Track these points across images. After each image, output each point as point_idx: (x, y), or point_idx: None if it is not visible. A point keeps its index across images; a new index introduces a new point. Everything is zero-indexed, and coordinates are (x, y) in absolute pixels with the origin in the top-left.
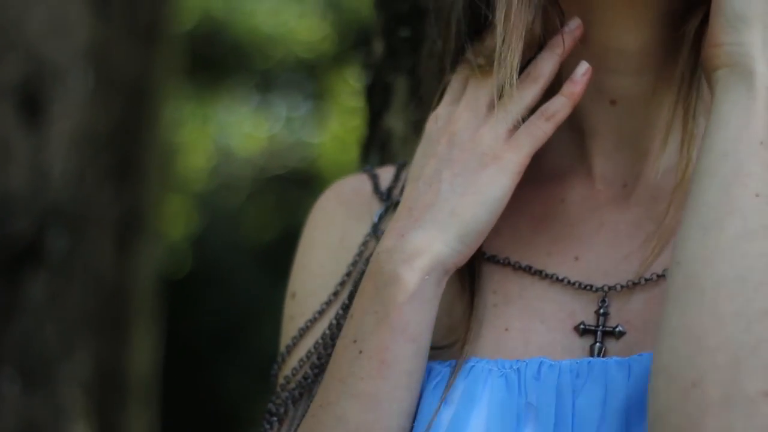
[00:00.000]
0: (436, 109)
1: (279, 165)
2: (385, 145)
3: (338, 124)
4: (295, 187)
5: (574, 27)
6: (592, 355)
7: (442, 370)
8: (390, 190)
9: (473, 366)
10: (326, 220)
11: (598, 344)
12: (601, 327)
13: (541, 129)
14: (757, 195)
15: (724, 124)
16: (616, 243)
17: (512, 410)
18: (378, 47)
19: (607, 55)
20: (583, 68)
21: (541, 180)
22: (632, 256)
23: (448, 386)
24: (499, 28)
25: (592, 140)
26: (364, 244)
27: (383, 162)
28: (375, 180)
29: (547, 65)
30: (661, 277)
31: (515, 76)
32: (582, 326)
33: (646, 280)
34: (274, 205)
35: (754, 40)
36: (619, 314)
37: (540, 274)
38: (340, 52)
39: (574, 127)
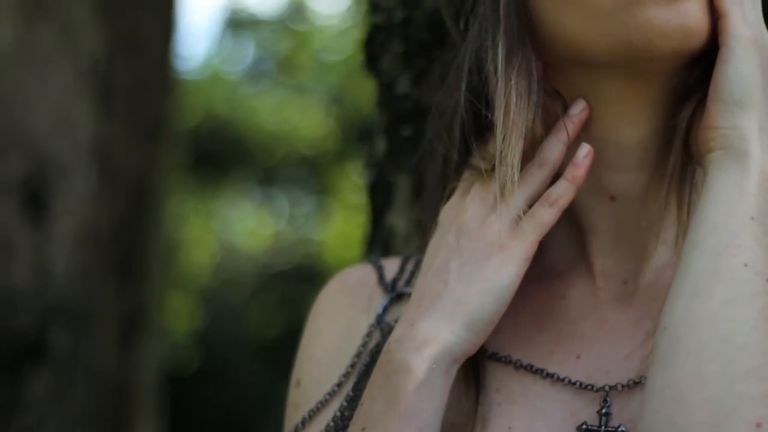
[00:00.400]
0: (446, 202)
1: (283, 261)
2: (387, 243)
3: (341, 221)
4: (298, 284)
5: (578, 110)
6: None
7: None
8: (395, 281)
9: None
10: (331, 310)
11: None
12: (603, 427)
13: (545, 215)
14: (745, 265)
15: (716, 200)
16: (618, 341)
17: None
18: (380, 145)
19: (606, 151)
20: (584, 150)
21: (541, 277)
22: (633, 354)
23: None
24: (499, 128)
25: (591, 237)
26: (368, 335)
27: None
28: (380, 271)
29: (552, 151)
30: None
31: (516, 174)
32: (585, 426)
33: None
34: (277, 302)
35: (750, 124)
36: (621, 414)
37: (542, 373)
38: (343, 148)
39: (573, 223)
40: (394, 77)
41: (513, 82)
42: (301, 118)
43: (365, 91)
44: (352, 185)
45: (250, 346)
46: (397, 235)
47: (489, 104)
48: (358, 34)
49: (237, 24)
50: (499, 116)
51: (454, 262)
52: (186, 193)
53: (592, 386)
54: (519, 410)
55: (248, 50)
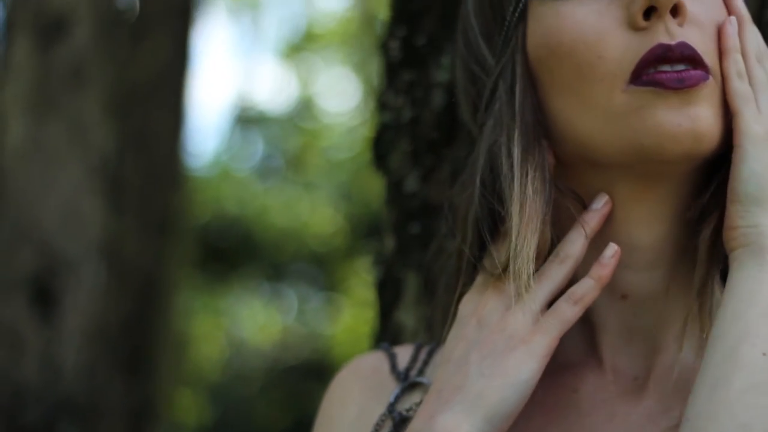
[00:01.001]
0: (462, 296)
1: (291, 356)
2: (395, 339)
3: (350, 317)
4: (307, 379)
5: (601, 205)
6: None
7: None
8: (407, 370)
9: None
10: (343, 397)
11: None
12: None
13: (568, 312)
14: (764, 354)
15: (736, 293)
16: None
17: None
18: (389, 243)
19: (608, 213)
20: (611, 250)
21: (553, 370)
22: None
23: None
24: (515, 222)
25: (602, 334)
26: (380, 423)
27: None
28: (393, 359)
29: (574, 246)
30: None
31: (531, 267)
32: None
33: None
34: (286, 397)
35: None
36: None
37: None
38: (352, 245)
39: (584, 319)
40: (402, 175)
41: (528, 178)
42: (310, 215)
43: (374, 188)
44: (361, 281)
45: None
46: (406, 331)
47: (502, 200)
48: (366, 132)
49: (246, 121)
50: (514, 211)
51: (474, 354)
52: (195, 289)
53: None
54: None
55: (257, 147)
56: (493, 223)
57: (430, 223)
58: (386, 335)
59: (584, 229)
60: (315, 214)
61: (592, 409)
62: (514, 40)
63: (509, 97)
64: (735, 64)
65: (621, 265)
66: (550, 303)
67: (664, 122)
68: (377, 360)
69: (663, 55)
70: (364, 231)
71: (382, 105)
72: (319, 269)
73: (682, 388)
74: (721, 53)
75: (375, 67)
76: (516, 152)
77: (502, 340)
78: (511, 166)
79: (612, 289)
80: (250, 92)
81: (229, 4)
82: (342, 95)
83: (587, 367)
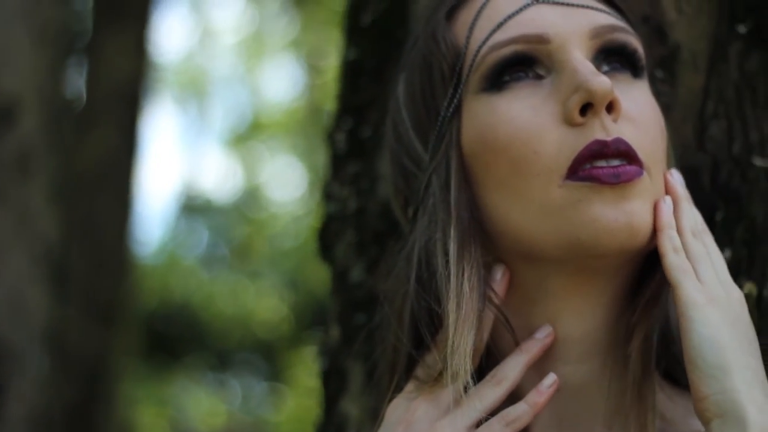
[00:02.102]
0: (394, 397)
1: None
2: (340, 429)
3: (295, 405)
4: None
5: (544, 335)
6: None
7: None
8: None
9: None
10: None
11: None
12: None
13: None
14: None
15: None
16: None
17: None
18: (334, 333)
19: (551, 344)
20: (550, 380)
21: None
22: None
23: None
24: (451, 318)
25: (533, 424)
26: None
27: None
28: None
29: (513, 371)
30: None
31: (469, 362)
32: None
33: None
34: None
35: (735, 385)
36: None
37: None
38: (297, 333)
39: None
40: (347, 266)
41: (465, 275)
42: (255, 304)
43: (320, 277)
44: (307, 370)
45: None
46: (350, 421)
47: (438, 298)
48: (312, 222)
49: (192, 209)
50: (451, 309)
51: None
52: (140, 377)
53: None
54: None
55: (203, 235)
56: (431, 321)
57: (375, 314)
58: (331, 425)
59: (524, 356)
60: (260, 302)
61: None
62: (449, 135)
63: (444, 192)
64: (670, 240)
65: (554, 357)
66: (478, 424)
67: (600, 217)
68: None
69: (599, 150)
70: (309, 320)
71: (327, 195)
72: (264, 358)
73: None
74: (656, 230)
75: (321, 156)
76: (452, 249)
77: None
78: (447, 263)
79: (542, 379)
80: (196, 180)
81: (176, 93)
82: (288, 184)
83: None
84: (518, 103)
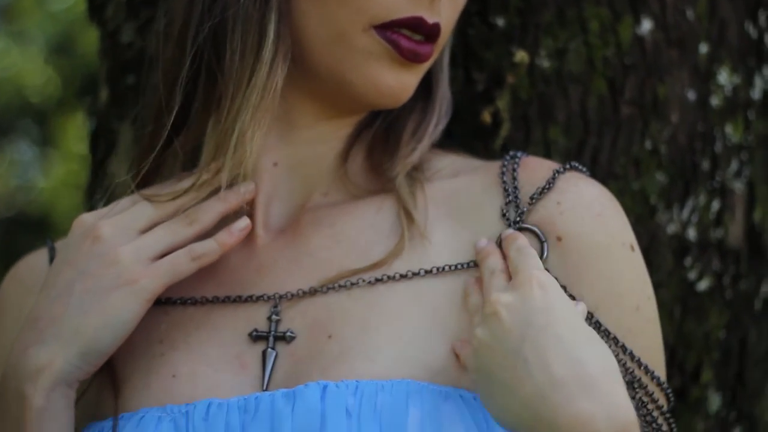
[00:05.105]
0: (85, 214)
1: (2, 208)
2: (108, 191)
3: (65, 169)
4: (23, 231)
5: (246, 191)
6: (264, 367)
7: (108, 425)
8: None
9: (143, 416)
10: (6, 303)
11: (269, 349)
12: (273, 333)
13: (184, 266)
14: None
15: None
16: (270, 267)
17: None
18: (103, 94)
19: (281, 127)
20: (243, 224)
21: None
22: (303, 263)
23: None
24: (254, 100)
25: (255, 195)
26: None
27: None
28: (52, 253)
29: (207, 216)
30: (331, 289)
31: (251, 161)
32: (254, 333)
33: (315, 290)
34: (1, 249)
35: None
36: (291, 322)
37: (209, 301)
38: (67, 97)
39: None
40: (118, 26)
41: (279, 67)
42: (23, 66)
43: (91, 40)
44: (77, 134)
45: None
46: (119, 183)
47: (230, 74)
48: None
49: None
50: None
51: (78, 285)
52: None
53: (264, 296)
54: (183, 356)
55: None
56: (205, 101)
57: (145, 75)
58: (99, 187)
59: (222, 205)
60: (29, 65)
61: (238, 258)
62: None
63: None
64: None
65: (277, 137)
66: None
67: (381, 79)
68: (37, 258)
69: (415, 25)
70: (79, 83)
71: None
72: (34, 121)
73: (323, 220)
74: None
75: None
76: (271, 30)
77: (110, 276)
78: (262, 45)
79: (266, 157)
80: None
81: None
82: None
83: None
84: None
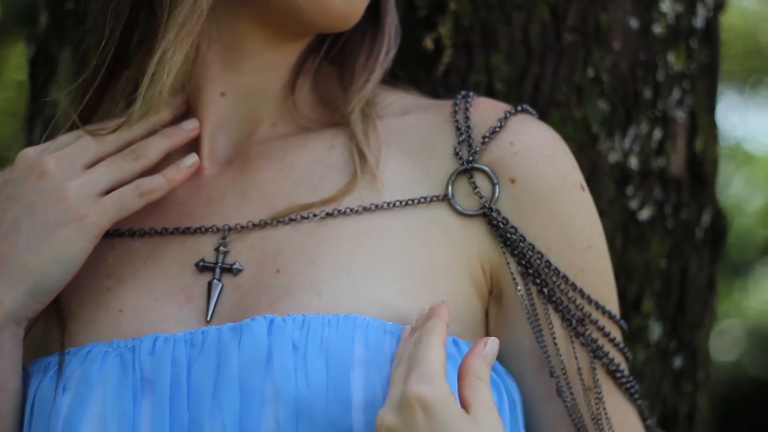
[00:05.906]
0: (28, 148)
1: None
2: (48, 118)
3: (2, 97)
4: None
5: (190, 128)
6: (209, 299)
7: (54, 360)
8: None
9: (89, 351)
10: None
11: (215, 280)
12: (220, 264)
13: (132, 202)
14: None
15: None
16: (218, 199)
17: (128, 387)
18: (43, 19)
19: (228, 55)
20: (191, 160)
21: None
22: (250, 197)
23: (59, 374)
24: (170, 33)
25: (201, 127)
26: None
27: (49, 134)
28: None
29: (153, 151)
30: (281, 222)
31: (166, 92)
32: (201, 263)
33: (265, 223)
34: None
35: None
36: (239, 255)
37: (157, 233)
38: (6, 24)
39: (189, 116)
40: None
41: None
42: None
43: None
44: (17, 63)
45: None
46: (60, 109)
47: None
48: None
49: None
50: (174, 21)
51: (26, 222)
52: None
53: (214, 227)
54: (130, 291)
55: None
56: (147, 27)
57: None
58: (39, 114)
59: (167, 141)
60: None
61: (186, 193)
62: None
63: None
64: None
65: (225, 66)
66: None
67: (329, 1)
68: None
69: None
70: (19, 8)
71: None
72: None
73: (272, 153)
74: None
75: None
76: None
77: (57, 213)
78: None
79: (213, 89)
80: None
81: None
82: None
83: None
84: None
